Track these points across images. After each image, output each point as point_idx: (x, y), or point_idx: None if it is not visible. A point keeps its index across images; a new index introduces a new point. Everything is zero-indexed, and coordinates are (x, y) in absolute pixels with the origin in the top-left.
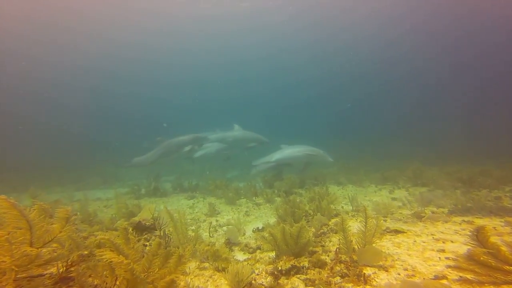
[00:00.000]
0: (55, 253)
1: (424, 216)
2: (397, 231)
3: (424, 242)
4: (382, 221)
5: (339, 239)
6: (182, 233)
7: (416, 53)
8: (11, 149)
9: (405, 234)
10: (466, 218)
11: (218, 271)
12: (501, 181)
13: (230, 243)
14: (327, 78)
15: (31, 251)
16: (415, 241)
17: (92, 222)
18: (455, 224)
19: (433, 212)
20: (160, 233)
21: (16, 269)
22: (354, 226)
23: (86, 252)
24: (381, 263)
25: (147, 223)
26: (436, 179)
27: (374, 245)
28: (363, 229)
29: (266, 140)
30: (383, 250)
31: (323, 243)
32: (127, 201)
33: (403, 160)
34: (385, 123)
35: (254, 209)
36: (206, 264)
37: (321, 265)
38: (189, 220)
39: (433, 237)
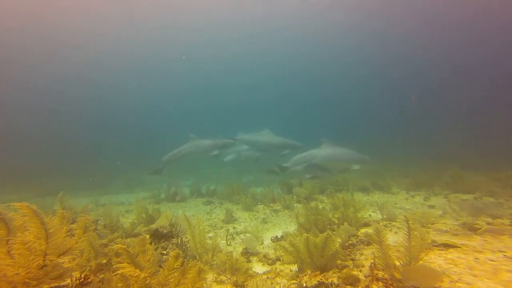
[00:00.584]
0: (74, 261)
1: (481, 228)
2: (447, 245)
3: (492, 261)
4: (426, 233)
5: (373, 252)
6: (200, 241)
7: (431, 51)
8: (44, 155)
9: (459, 249)
10: None
11: (236, 286)
12: None
13: (247, 253)
14: (332, 80)
15: (44, 262)
16: (477, 258)
17: (113, 227)
18: None
19: (489, 223)
20: (178, 241)
21: (32, 282)
22: (389, 237)
23: (104, 261)
24: (437, 284)
25: (164, 231)
26: (482, 185)
27: (421, 262)
28: (405, 242)
29: (300, 145)
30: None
31: (353, 256)
32: (147, 206)
33: (430, 164)
34: (404, 124)
35: (272, 216)
36: (224, 277)
37: (353, 282)
38: (206, 227)
39: (504, 255)
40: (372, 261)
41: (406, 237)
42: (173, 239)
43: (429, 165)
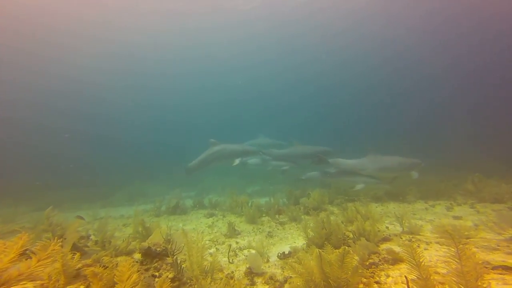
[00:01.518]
0: None
1: None
2: (508, 268)
3: None
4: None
5: (402, 274)
6: (197, 262)
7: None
8: (45, 168)
9: None
10: None
11: None
12: None
13: (251, 273)
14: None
15: None
16: None
17: (105, 244)
18: None
19: None
20: (173, 260)
21: None
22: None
23: (82, 287)
24: None
25: (158, 249)
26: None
27: None
28: (453, 262)
29: (330, 150)
30: None
31: (378, 278)
32: (146, 219)
33: (441, 171)
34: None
35: (278, 229)
36: None
37: None
38: (207, 242)
39: None
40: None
41: (454, 256)
42: (167, 258)
43: (441, 172)
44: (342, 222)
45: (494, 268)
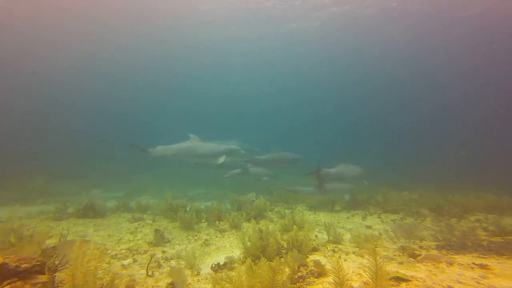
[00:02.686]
0: None
1: (420, 255)
2: (399, 279)
3: None
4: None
5: None
6: (87, 282)
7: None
8: None
9: (409, 283)
10: (477, 261)
11: None
12: (467, 209)
13: None
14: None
15: None
16: None
17: None
18: (465, 268)
19: (420, 247)
20: (49, 279)
21: None
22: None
23: None
24: None
25: (25, 265)
26: (405, 205)
27: None
28: (369, 278)
29: (299, 156)
30: None
31: None
32: (35, 223)
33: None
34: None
35: (216, 236)
36: None
37: None
38: (122, 251)
39: None
40: None
41: (372, 273)
42: (39, 276)
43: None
44: (279, 231)
45: (391, 278)
